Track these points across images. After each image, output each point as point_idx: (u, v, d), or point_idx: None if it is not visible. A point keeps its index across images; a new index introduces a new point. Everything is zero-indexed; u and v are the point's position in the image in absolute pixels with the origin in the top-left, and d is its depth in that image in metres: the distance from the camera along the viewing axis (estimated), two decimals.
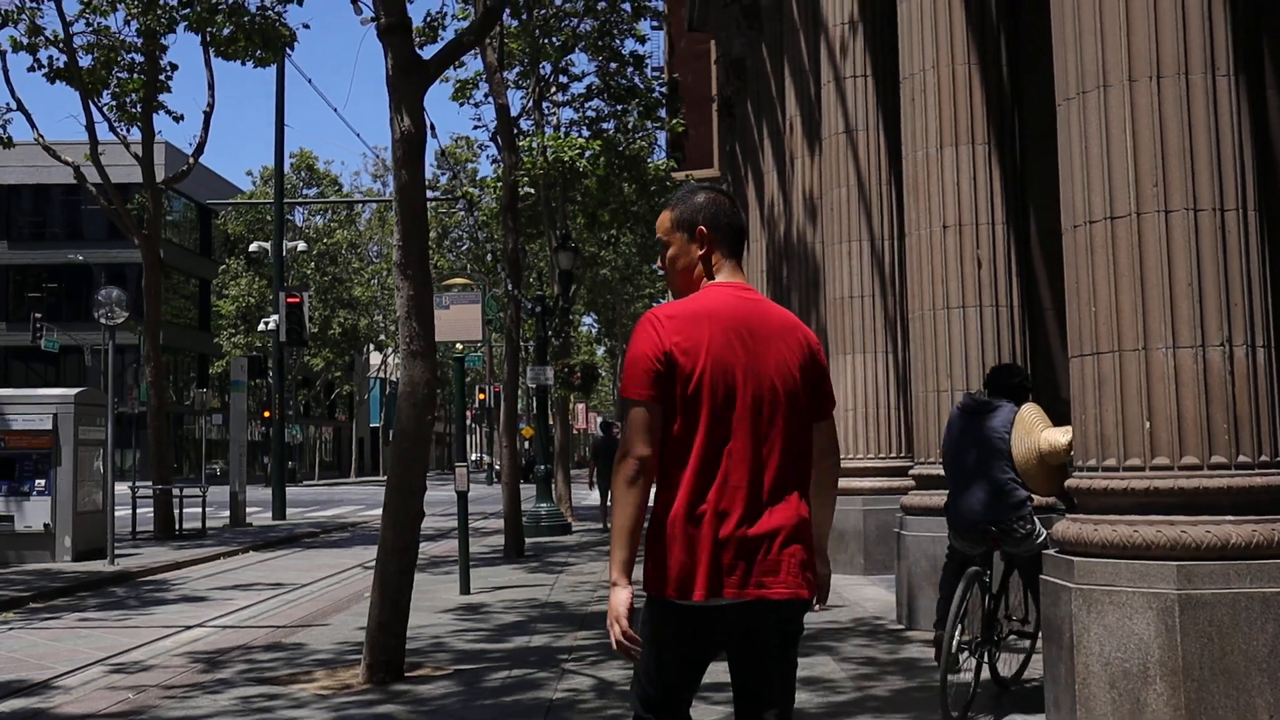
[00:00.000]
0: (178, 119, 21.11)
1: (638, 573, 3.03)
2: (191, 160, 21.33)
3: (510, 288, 15.94)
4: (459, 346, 11.96)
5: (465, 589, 11.74)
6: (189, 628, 10.14)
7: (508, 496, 16.38)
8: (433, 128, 31.57)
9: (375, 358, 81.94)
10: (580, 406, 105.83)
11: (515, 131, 18.97)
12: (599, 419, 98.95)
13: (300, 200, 59.41)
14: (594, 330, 74.50)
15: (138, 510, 20.28)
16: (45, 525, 15.70)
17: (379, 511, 7.24)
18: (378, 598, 7.08)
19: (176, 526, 20.52)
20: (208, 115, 21.43)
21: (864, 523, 12.03)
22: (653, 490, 3.05)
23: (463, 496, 11.91)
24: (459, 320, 11.86)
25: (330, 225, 63.67)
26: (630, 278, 63.04)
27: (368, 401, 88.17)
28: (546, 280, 30.15)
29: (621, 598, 2.99)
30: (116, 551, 16.94)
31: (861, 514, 12.04)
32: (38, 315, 49.35)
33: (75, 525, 15.81)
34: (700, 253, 3.19)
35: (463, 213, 31.73)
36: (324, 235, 62.81)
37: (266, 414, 65.10)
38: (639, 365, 3.02)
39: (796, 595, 3.02)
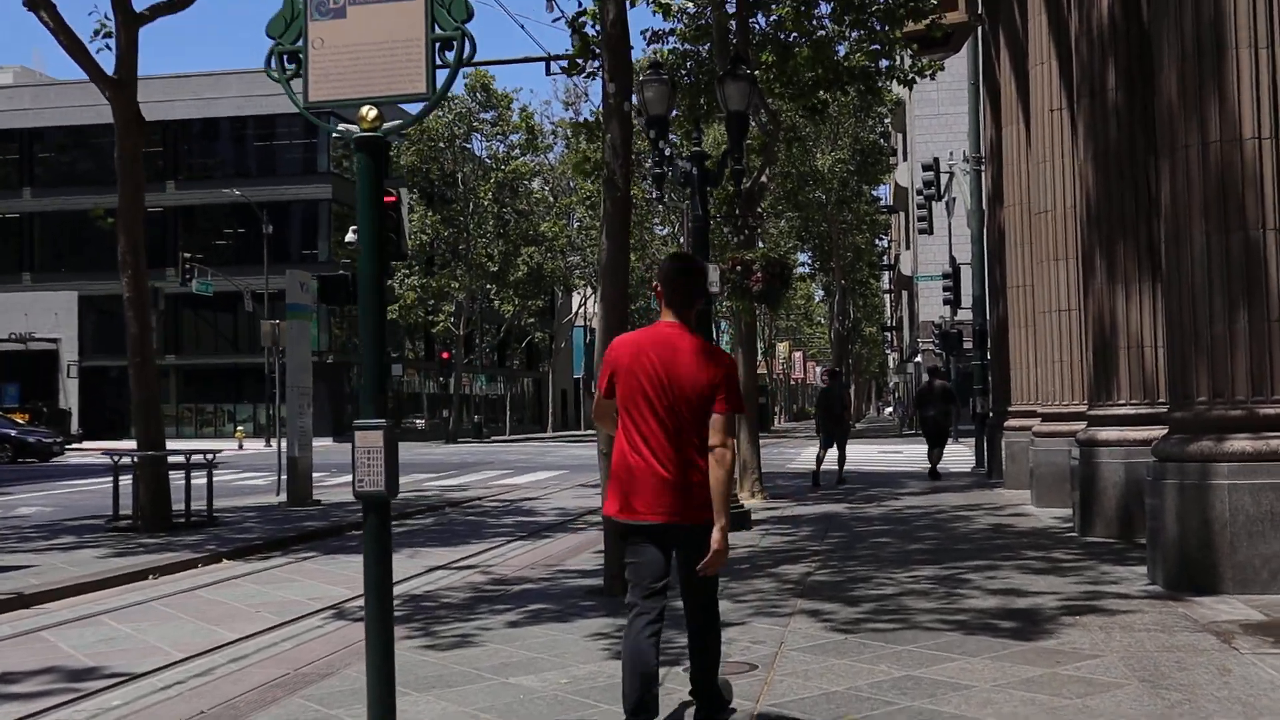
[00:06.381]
0: None
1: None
2: None
3: (609, 85, 8.62)
4: (369, 116, 4.61)
5: None
6: None
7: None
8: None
9: (576, 301, 75.61)
10: (786, 348, 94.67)
11: None
12: (819, 368, 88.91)
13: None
14: (805, 270, 65.37)
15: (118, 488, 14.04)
16: None
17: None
18: None
19: (184, 511, 14.14)
20: None
21: None
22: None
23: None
24: (367, 44, 4.59)
25: (509, 153, 57.35)
26: (847, 200, 54.31)
27: (569, 350, 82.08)
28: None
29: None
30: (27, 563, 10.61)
31: None
32: (187, 255, 44.73)
33: None
34: (660, 299, 4.78)
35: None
36: (501, 163, 56.68)
37: (446, 356, 59.73)
38: (602, 374, 4.69)
39: (696, 522, 4.51)
